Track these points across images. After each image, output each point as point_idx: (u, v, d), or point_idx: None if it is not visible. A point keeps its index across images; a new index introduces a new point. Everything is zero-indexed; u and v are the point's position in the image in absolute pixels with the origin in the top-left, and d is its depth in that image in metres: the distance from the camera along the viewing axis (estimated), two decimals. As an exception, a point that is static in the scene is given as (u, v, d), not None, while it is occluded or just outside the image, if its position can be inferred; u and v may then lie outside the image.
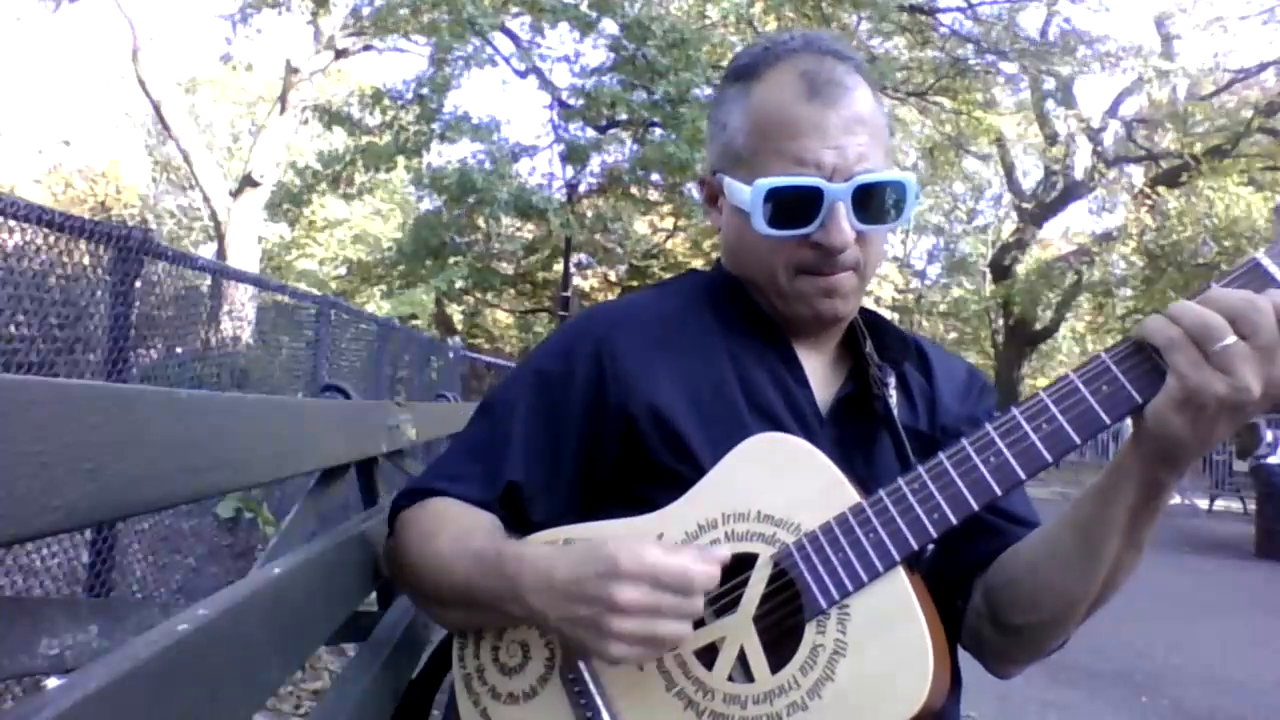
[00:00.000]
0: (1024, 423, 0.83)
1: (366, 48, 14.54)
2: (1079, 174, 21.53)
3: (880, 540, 0.84)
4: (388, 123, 13.18)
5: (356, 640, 1.45)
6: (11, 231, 2.77)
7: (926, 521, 0.84)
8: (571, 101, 13.48)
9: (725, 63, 1.19)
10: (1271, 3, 17.49)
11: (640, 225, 20.20)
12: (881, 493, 0.86)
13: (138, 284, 3.29)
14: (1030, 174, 24.40)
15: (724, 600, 0.89)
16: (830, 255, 0.98)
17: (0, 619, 0.89)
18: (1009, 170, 23.74)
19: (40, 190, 19.03)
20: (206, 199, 13.88)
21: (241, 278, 5.89)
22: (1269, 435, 9.89)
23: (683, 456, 0.97)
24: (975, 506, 0.84)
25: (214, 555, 4.30)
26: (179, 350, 4.31)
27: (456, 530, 0.99)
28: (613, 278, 20.86)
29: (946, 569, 1.01)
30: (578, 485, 1.04)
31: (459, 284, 15.33)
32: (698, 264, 15.21)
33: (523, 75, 13.98)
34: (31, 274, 2.95)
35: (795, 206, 0.97)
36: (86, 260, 3.10)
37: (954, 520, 0.84)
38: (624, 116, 13.16)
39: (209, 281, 4.76)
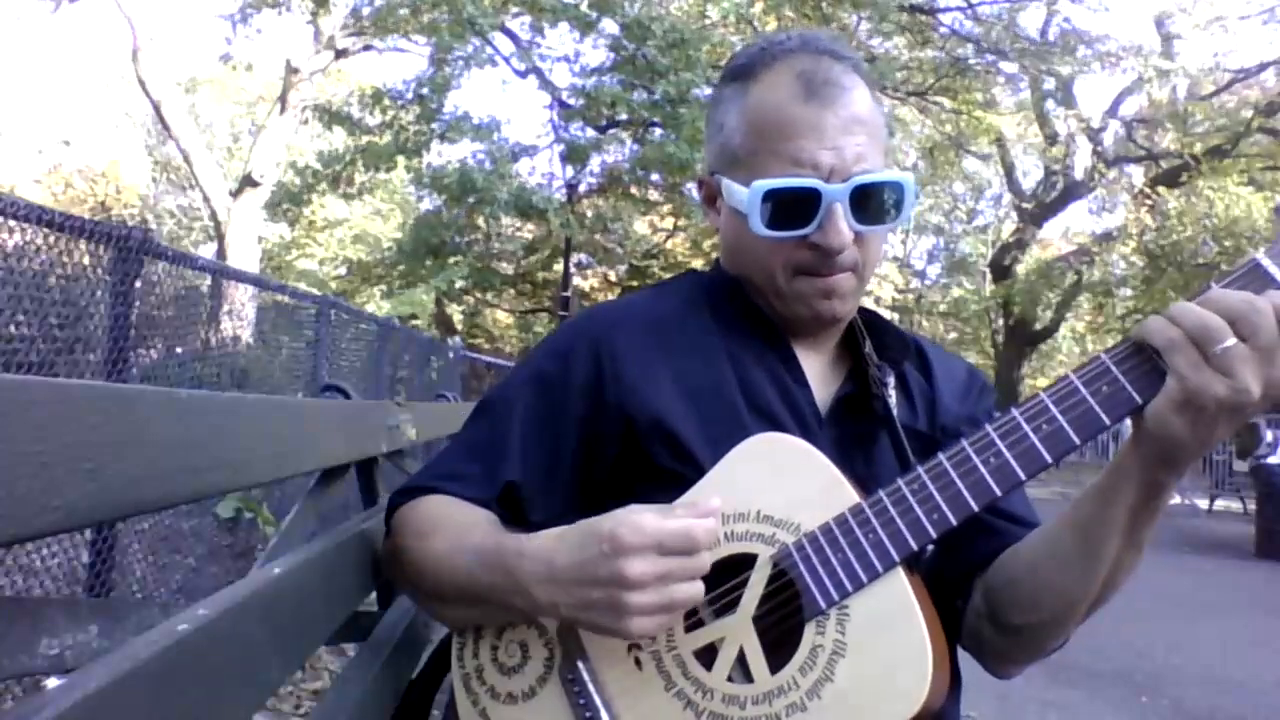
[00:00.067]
0: (1024, 423, 0.83)
1: (366, 48, 14.54)
2: (1079, 174, 21.53)
3: (880, 541, 0.84)
4: (388, 123, 13.18)
5: (356, 640, 1.45)
6: (11, 231, 2.77)
7: (926, 522, 0.84)
8: (571, 101, 13.49)
9: (725, 62, 1.18)
10: (1271, 3, 17.50)
11: (640, 225, 20.20)
12: (881, 493, 0.86)
13: (138, 284, 3.29)
14: (1030, 174, 24.42)
15: (723, 601, 0.89)
16: (828, 256, 0.98)
17: (0, 619, 0.89)
18: (1009, 170, 23.74)
19: (40, 190, 19.03)
20: (206, 199, 13.88)
21: (241, 278, 5.89)
22: (1269, 435, 9.89)
23: (682, 457, 0.97)
24: (975, 507, 0.84)
25: (214, 555, 4.30)
26: (179, 350, 4.31)
27: (454, 527, 0.99)
28: (613, 278, 20.85)
29: (946, 569, 1.01)
30: (576, 485, 1.04)
31: (459, 284, 15.34)
32: (698, 264, 15.21)
33: (523, 75, 13.98)
34: (31, 274, 2.95)
35: (793, 207, 0.97)
36: (86, 260, 3.10)
37: (953, 521, 0.84)
38: (624, 116, 13.16)
39: (209, 281, 4.76)
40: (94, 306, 3.20)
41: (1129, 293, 22.74)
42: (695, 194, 1.22)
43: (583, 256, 19.49)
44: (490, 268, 18.21)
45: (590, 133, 13.79)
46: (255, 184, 13.33)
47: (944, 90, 16.39)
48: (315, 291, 9.11)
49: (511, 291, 21.12)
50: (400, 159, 13.22)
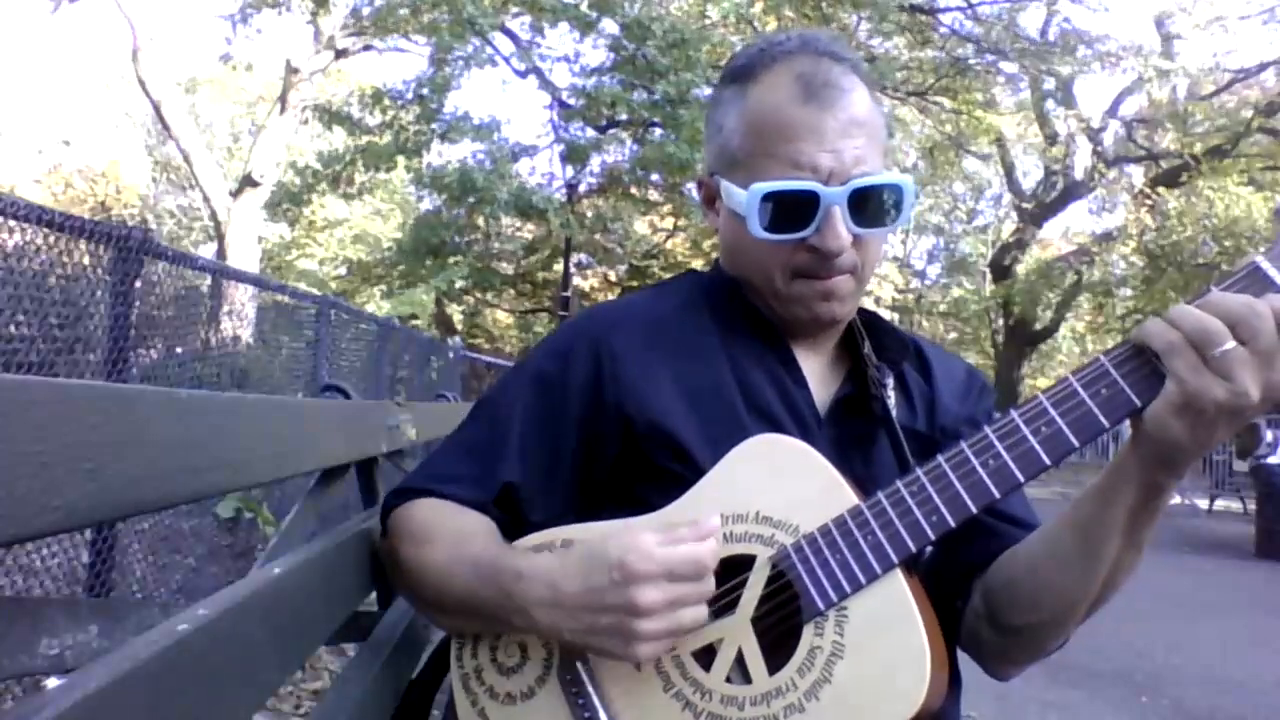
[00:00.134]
0: (1023, 426, 0.83)
1: (366, 48, 14.54)
2: (1079, 174, 21.53)
3: (878, 543, 0.84)
4: (388, 123, 13.17)
5: (356, 640, 1.45)
6: (11, 231, 2.77)
7: (925, 524, 0.84)
8: (571, 101, 13.48)
9: (725, 62, 1.18)
10: (1272, 3, 17.50)
11: (640, 225, 20.20)
12: (880, 495, 0.86)
13: (138, 284, 3.29)
14: (1030, 174, 24.42)
15: (722, 601, 0.89)
16: (827, 259, 0.98)
17: (0, 619, 0.89)
18: (1009, 170, 23.74)
19: (40, 190, 19.03)
20: (206, 199, 13.87)
21: (241, 278, 5.89)
22: (1269, 435, 9.88)
23: (681, 458, 0.97)
24: (974, 509, 0.84)
25: (214, 555, 4.30)
26: (179, 350, 4.30)
27: (451, 536, 0.98)
28: (613, 278, 20.85)
29: (945, 570, 1.01)
30: (575, 486, 1.04)
31: (459, 284, 15.33)
32: (698, 264, 15.20)
33: (523, 75, 13.98)
34: (31, 274, 2.95)
35: (791, 210, 0.97)
36: (86, 260, 3.10)
37: (952, 523, 0.84)
38: (624, 116, 13.15)
39: (209, 281, 4.76)
40: (94, 306, 3.20)
41: (1129, 293, 22.74)
42: (695, 194, 1.22)
43: (583, 256, 19.48)
44: (490, 268, 18.20)
45: (590, 133, 13.79)
46: (255, 184, 13.33)
47: (944, 90, 16.39)
48: (315, 291, 9.11)
49: (511, 291, 21.12)
50: (400, 159, 13.22)
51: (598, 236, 18.09)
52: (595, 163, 14.84)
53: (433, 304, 16.24)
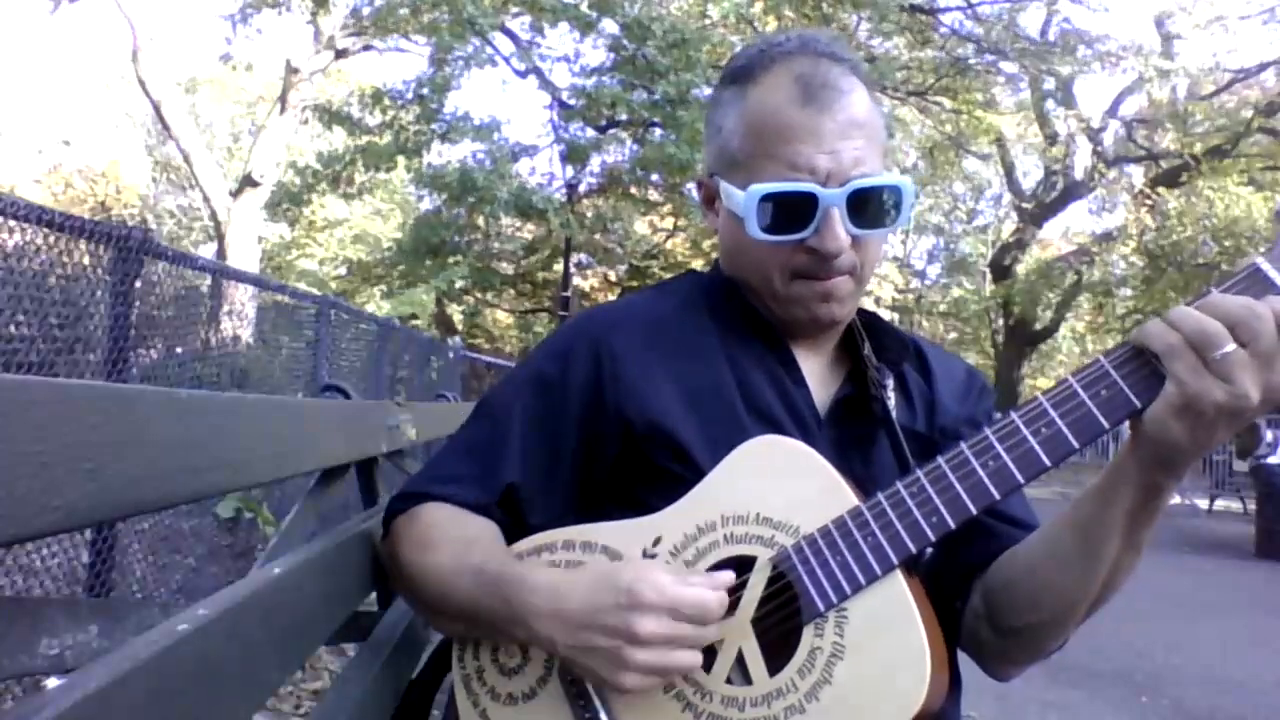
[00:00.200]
0: (1022, 427, 0.83)
1: (366, 48, 14.53)
2: (1079, 174, 21.53)
3: (878, 544, 0.85)
4: (388, 123, 13.17)
5: (356, 640, 1.45)
6: (11, 231, 2.77)
7: (924, 525, 0.84)
8: (571, 101, 13.48)
9: (725, 63, 1.19)
10: (1272, 3, 17.49)
11: (640, 225, 20.20)
12: (880, 496, 0.86)
13: (138, 284, 3.29)
14: (1030, 174, 24.42)
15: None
16: (825, 260, 0.98)
17: (0, 619, 0.89)
18: (1009, 170, 23.74)
19: (40, 190, 19.03)
20: (206, 199, 13.87)
21: (241, 278, 5.89)
22: (1269, 435, 9.88)
23: (681, 459, 0.97)
24: (973, 510, 0.84)
25: (214, 555, 4.30)
26: (179, 350, 4.30)
27: (454, 543, 0.98)
28: (613, 278, 20.85)
29: (945, 571, 1.01)
30: (576, 486, 1.04)
31: (459, 284, 15.33)
32: (698, 264, 15.19)
33: (523, 75, 13.98)
34: (31, 274, 2.95)
35: (790, 212, 0.97)
36: (86, 260, 3.10)
37: (952, 524, 0.84)
38: (624, 116, 13.15)
39: (209, 281, 4.76)
40: (94, 306, 3.20)
41: (1129, 293, 22.74)
42: (695, 195, 1.22)
43: (583, 256, 19.48)
44: (490, 268, 18.20)
45: (590, 133, 13.79)
46: (255, 184, 13.33)
47: (944, 90, 16.38)
48: (315, 291, 9.11)
49: (511, 291, 21.12)
50: (400, 159, 13.22)
51: (598, 236, 18.09)
52: (595, 163, 14.86)
53: (433, 304, 16.24)
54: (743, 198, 0.98)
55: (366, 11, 13.28)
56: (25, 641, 0.91)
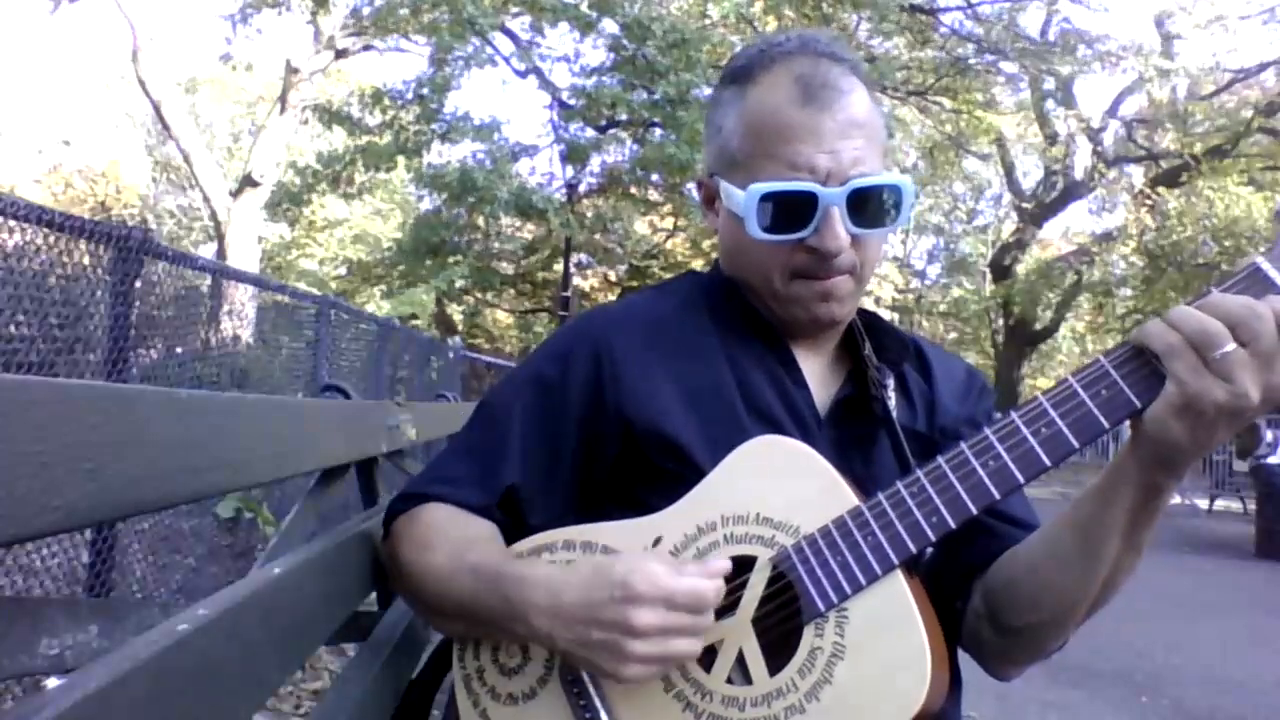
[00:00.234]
0: (1023, 427, 0.83)
1: (366, 48, 14.53)
2: (1079, 174, 21.53)
3: (879, 544, 0.85)
4: (388, 123, 13.16)
5: (356, 640, 1.45)
6: (11, 231, 2.77)
7: (925, 525, 0.84)
8: (571, 101, 13.48)
9: (725, 63, 1.20)
10: (1272, 3, 17.50)
11: (640, 225, 20.20)
12: (880, 496, 0.86)
13: (138, 284, 3.29)
14: (1030, 174, 24.43)
15: (723, 602, 0.89)
16: (825, 259, 0.98)
17: (0, 619, 0.89)
18: (1009, 170, 23.74)
19: (40, 190, 19.03)
20: (206, 199, 13.87)
21: (241, 278, 5.89)
22: (1269, 435, 9.88)
23: (681, 459, 0.97)
24: (974, 510, 0.84)
25: (214, 555, 4.30)
26: (179, 350, 4.30)
27: (453, 542, 0.99)
28: (613, 278, 20.85)
29: (945, 570, 1.01)
30: (576, 487, 1.04)
31: (459, 284, 15.33)
32: (698, 264, 15.19)
33: (523, 75, 13.98)
34: (31, 274, 2.95)
35: (790, 211, 0.97)
36: (86, 260, 3.10)
37: (952, 524, 0.84)
38: (624, 117, 13.15)
39: (209, 281, 4.76)
40: (94, 306, 3.20)
41: (1129, 293, 22.75)
42: (695, 195, 1.22)
43: (583, 256, 19.48)
44: (490, 268, 18.20)
45: (590, 133, 13.79)
46: (255, 184, 13.33)
47: (944, 90, 16.39)
48: (315, 291, 9.11)
49: (511, 291, 21.12)
50: (400, 159, 13.22)
51: (598, 236, 18.09)
52: (595, 163, 14.86)
53: (433, 304, 16.24)
54: (743, 197, 0.98)
55: (366, 11, 13.28)
56: (25, 641, 0.91)
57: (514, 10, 13.31)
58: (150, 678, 0.59)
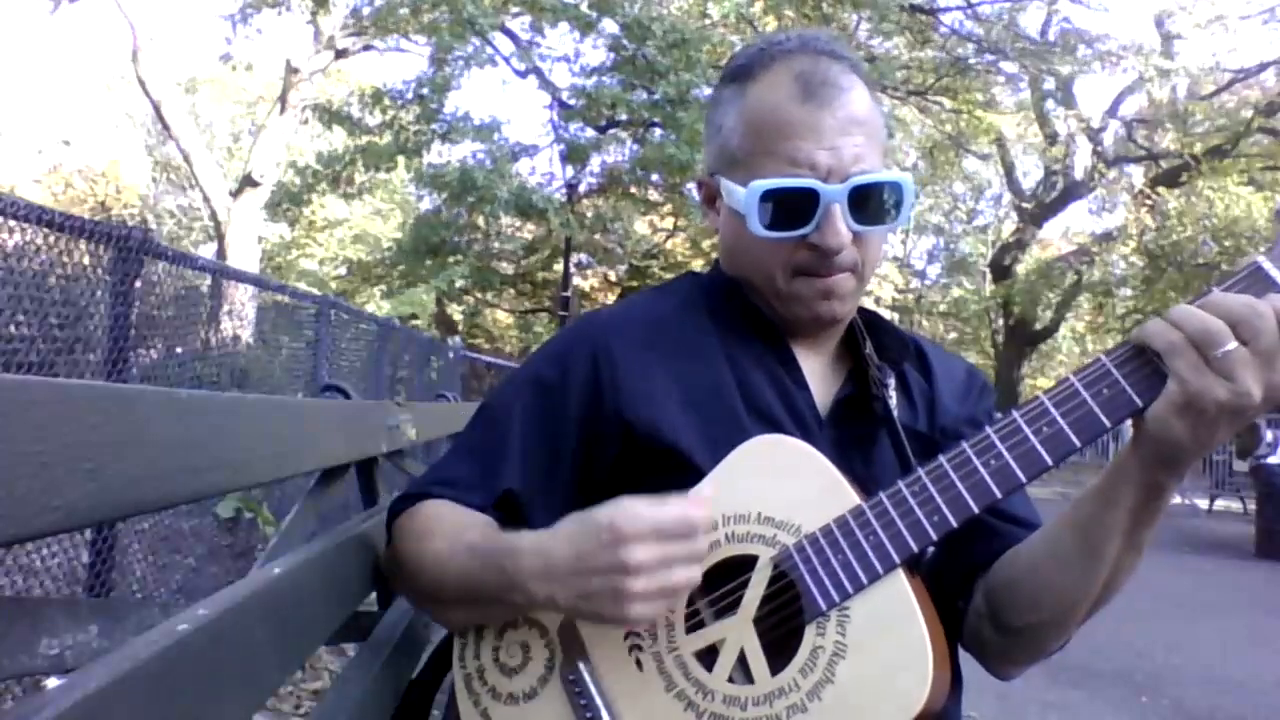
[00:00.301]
0: (1024, 426, 0.83)
1: (366, 48, 14.54)
2: (1079, 174, 21.54)
3: (880, 542, 0.84)
4: (388, 123, 13.17)
5: (356, 640, 1.45)
6: (11, 231, 2.77)
7: (926, 524, 0.84)
8: (571, 101, 13.48)
9: (724, 63, 1.21)
10: (1272, 3, 17.50)
11: (640, 225, 20.20)
12: (881, 495, 0.86)
13: (138, 284, 3.29)
14: (1030, 174, 24.44)
15: (724, 602, 0.89)
16: (827, 256, 0.98)
17: (0, 619, 0.89)
18: (1009, 170, 23.75)
19: (40, 190, 19.02)
20: (206, 199, 13.87)
21: (241, 278, 5.89)
22: (1269, 435, 9.88)
23: (681, 461, 0.97)
24: (975, 509, 0.84)
25: (214, 555, 4.30)
26: (179, 350, 4.30)
27: (450, 528, 0.99)
28: (613, 278, 20.86)
29: (947, 570, 1.01)
30: (576, 487, 1.04)
31: (459, 284, 15.34)
32: (698, 264, 15.18)
33: (523, 75, 13.98)
34: (31, 274, 2.95)
35: (791, 208, 0.97)
36: (86, 260, 3.10)
37: (954, 523, 0.84)
38: (624, 117, 13.16)
39: (209, 281, 4.76)
40: (94, 306, 3.20)
41: (1129, 293, 22.76)
42: (695, 194, 1.22)
43: (583, 256, 19.49)
44: (490, 268, 18.21)
45: (590, 133, 13.79)
46: (255, 184, 13.33)
47: (944, 90, 16.39)
48: (315, 291, 9.11)
49: (511, 291, 21.13)
50: (400, 159, 13.23)
51: (598, 236, 18.09)
52: (595, 163, 14.87)
53: (433, 304, 16.25)
54: (744, 195, 0.98)
55: (366, 11, 13.29)
56: (25, 641, 0.91)
57: (514, 10, 13.32)
58: (150, 678, 0.59)
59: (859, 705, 0.81)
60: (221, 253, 13.00)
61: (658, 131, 13.21)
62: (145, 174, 23.15)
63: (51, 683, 0.76)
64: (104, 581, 3.08)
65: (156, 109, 12.87)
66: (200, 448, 0.84)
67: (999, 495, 0.83)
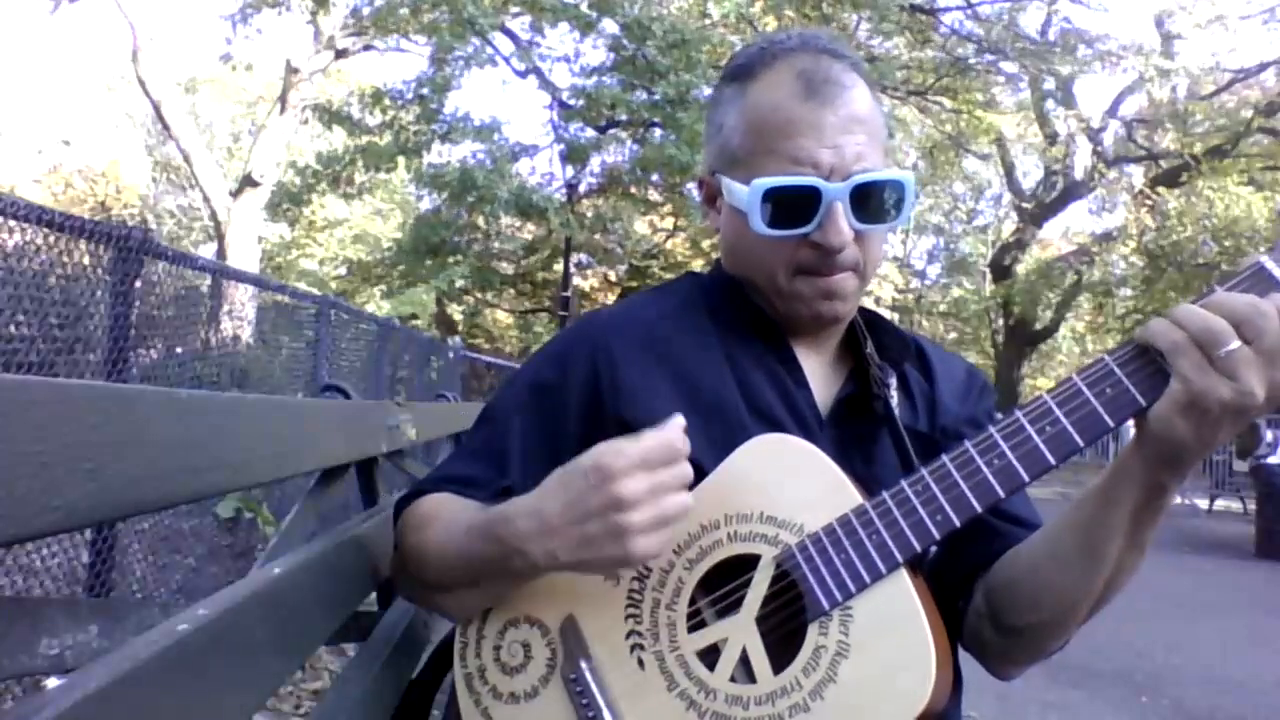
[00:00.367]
0: (1027, 425, 0.83)
1: (366, 48, 14.54)
2: (1079, 174, 21.55)
3: (883, 541, 0.84)
4: (388, 123, 13.18)
5: (356, 640, 1.45)
6: (11, 231, 2.77)
7: (929, 523, 0.84)
8: (571, 101, 13.49)
9: (725, 63, 1.21)
10: (1272, 3, 17.50)
11: (640, 225, 20.20)
12: (884, 494, 0.86)
13: (138, 284, 3.29)
14: (1030, 174, 24.45)
15: (726, 601, 0.89)
16: (829, 255, 0.98)
17: (0, 619, 0.89)
18: (1009, 170, 23.76)
19: (40, 190, 19.02)
20: (206, 199, 13.88)
21: (241, 278, 5.89)
22: (1269, 435, 9.88)
23: None
24: (978, 508, 0.84)
25: (214, 555, 4.30)
26: (179, 350, 4.30)
27: (449, 514, 0.99)
28: (613, 278, 20.86)
29: (948, 570, 1.00)
30: None
31: (459, 284, 15.34)
32: (698, 264, 15.18)
33: (523, 75, 13.99)
34: (31, 274, 2.94)
35: (793, 206, 0.96)
36: (86, 260, 3.10)
37: (956, 522, 0.84)
38: (624, 117, 13.16)
39: (209, 281, 4.76)
40: (94, 306, 3.20)
41: (1129, 293, 22.77)
42: (695, 194, 1.22)
43: (583, 256, 19.49)
44: (490, 267, 18.22)
45: (590, 133, 13.79)
46: (255, 184, 13.33)
47: (944, 90, 16.40)
48: (315, 291, 9.11)
49: (511, 291, 21.14)
50: (400, 159, 13.23)
51: (598, 236, 18.10)
52: (595, 163, 14.88)
53: (433, 304, 16.26)
54: (746, 193, 0.98)
55: (366, 11, 13.29)
56: (25, 641, 0.90)
57: (514, 10, 13.33)
58: (150, 678, 0.59)
59: (861, 705, 0.81)
60: (221, 253, 13.00)
61: (658, 132, 13.22)
62: (145, 174, 23.16)
63: (51, 683, 0.75)
64: (104, 581, 3.08)
65: (156, 109, 12.87)
66: (200, 448, 0.83)
67: (1002, 495, 0.83)
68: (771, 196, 0.96)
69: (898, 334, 1.11)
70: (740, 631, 0.87)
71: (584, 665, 0.92)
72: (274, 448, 1.08)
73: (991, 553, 1.00)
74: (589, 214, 16.30)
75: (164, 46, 25.63)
